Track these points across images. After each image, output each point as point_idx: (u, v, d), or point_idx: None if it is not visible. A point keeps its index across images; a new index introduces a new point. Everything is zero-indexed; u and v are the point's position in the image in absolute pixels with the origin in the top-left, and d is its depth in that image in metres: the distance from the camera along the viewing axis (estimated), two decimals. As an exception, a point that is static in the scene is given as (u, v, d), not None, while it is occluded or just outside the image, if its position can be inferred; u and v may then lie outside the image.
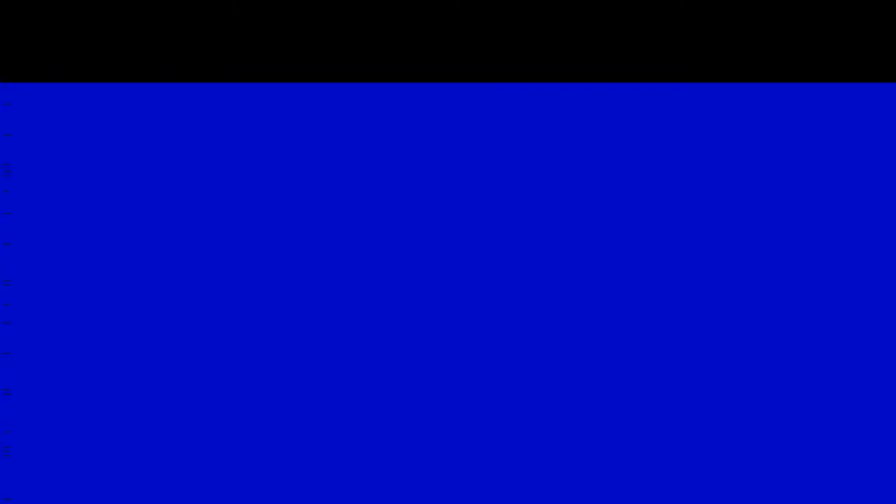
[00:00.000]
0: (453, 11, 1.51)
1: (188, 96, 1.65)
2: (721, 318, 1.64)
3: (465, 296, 1.65)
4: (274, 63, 1.65)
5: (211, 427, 1.64)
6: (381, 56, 1.65)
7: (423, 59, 1.65)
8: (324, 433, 1.64)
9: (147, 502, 1.64)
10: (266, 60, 1.65)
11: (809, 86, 1.65)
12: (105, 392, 1.64)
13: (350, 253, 1.65)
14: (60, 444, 1.64)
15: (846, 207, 1.65)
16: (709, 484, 1.64)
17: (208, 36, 1.59)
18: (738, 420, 1.64)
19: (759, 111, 1.65)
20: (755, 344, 1.64)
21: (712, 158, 1.65)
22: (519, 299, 1.65)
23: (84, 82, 1.66)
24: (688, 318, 1.64)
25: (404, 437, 1.65)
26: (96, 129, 1.65)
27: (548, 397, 1.64)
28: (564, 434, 1.64)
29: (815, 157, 1.65)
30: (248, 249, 1.65)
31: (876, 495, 1.63)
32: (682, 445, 1.64)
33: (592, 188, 1.65)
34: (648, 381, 1.64)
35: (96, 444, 1.64)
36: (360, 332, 1.65)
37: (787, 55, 1.64)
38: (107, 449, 1.64)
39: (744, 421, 1.64)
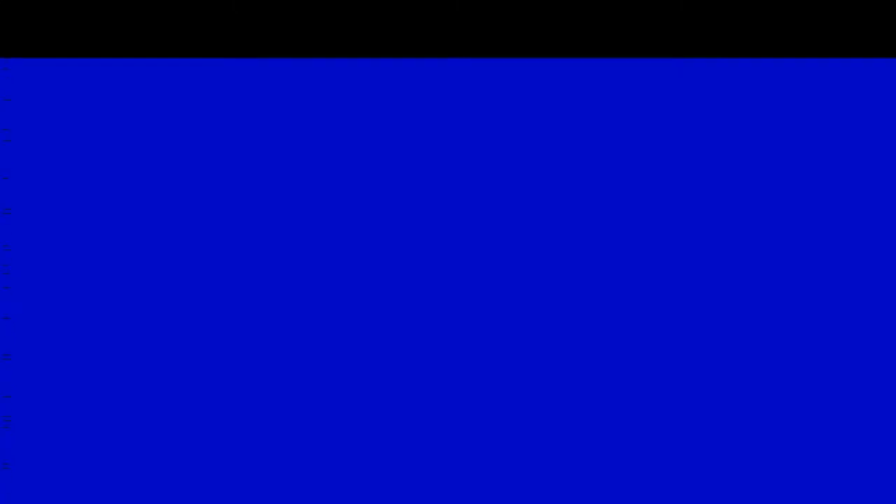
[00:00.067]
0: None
1: (187, 72, 1.65)
2: (720, 307, 1.63)
3: (462, 283, 1.65)
4: (271, 38, 1.65)
5: (210, 425, 1.64)
6: (375, 31, 1.64)
7: (419, 35, 1.65)
8: (324, 432, 1.64)
9: (147, 502, 1.64)
10: (267, 35, 1.65)
11: (807, 61, 1.65)
12: (100, 384, 1.64)
13: (346, 239, 1.65)
14: (60, 444, 1.64)
15: (845, 187, 1.64)
16: (709, 484, 1.63)
17: (207, 11, 1.59)
18: (737, 416, 1.63)
19: (757, 87, 1.65)
20: (753, 334, 1.63)
21: (711, 135, 1.65)
22: (517, 287, 1.64)
23: (82, 58, 1.66)
24: (687, 308, 1.63)
25: (404, 437, 1.64)
26: (96, 105, 1.65)
27: (545, 391, 1.64)
28: (564, 434, 1.64)
29: (813, 133, 1.64)
30: (246, 235, 1.65)
31: (876, 495, 1.62)
32: (682, 445, 1.63)
33: (590, 167, 1.65)
34: (646, 374, 1.64)
35: (96, 444, 1.64)
36: (355, 316, 1.64)
37: (786, 31, 1.64)
38: (106, 449, 1.64)
39: (743, 417, 1.63)
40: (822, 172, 1.64)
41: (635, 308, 1.64)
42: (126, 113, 1.65)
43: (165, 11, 1.49)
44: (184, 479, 1.65)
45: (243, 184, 1.65)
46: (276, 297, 1.65)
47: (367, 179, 1.65)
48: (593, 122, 1.65)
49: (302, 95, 1.65)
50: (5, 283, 1.65)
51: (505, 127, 1.65)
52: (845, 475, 1.63)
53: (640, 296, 1.64)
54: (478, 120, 1.65)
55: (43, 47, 1.63)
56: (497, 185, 1.65)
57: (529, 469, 1.64)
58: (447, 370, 1.65)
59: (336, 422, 1.65)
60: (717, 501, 1.63)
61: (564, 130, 1.65)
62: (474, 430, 1.65)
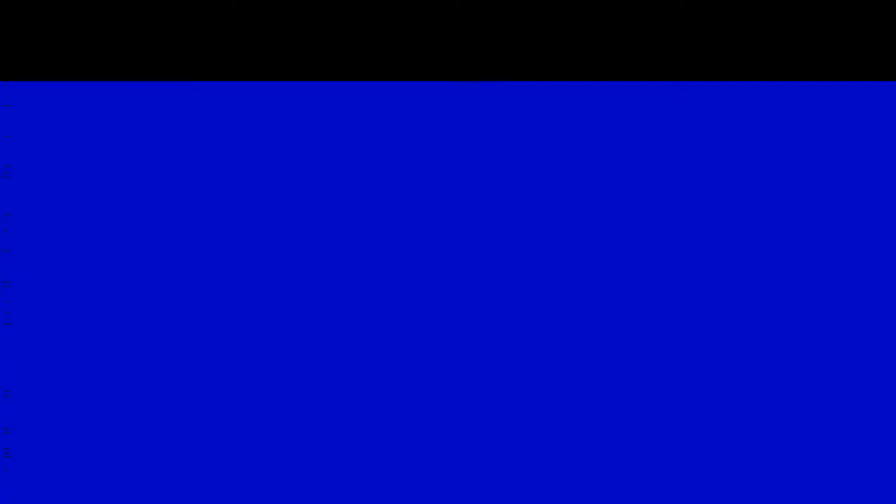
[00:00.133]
0: (453, 10, 1.51)
1: (188, 95, 1.65)
2: (720, 316, 1.64)
3: (465, 293, 1.65)
4: (274, 61, 1.65)
5: (211, 427, 1.64)
6: (380, 55, 1.64)
7: (422, 58, 1.65)
8: (324, 433, 1.64)
9: (147, 502, 1.64)
10: (266, 59, 1.65)
11: (807, 84, 1.65)
12: (103, 391, 1.64)
13: (350, 252, 1.65)
14: (60, 444, 1.64)
15: (845, 207, 1.65)
16: (709, 484, 1.64)
17: (208, 34, 1.59)
18: (738, 420, 1.64)
19: (757, 110, 1.65)
20: (754, 344, 1.64)
21: (712, 158, 1.65)
22: (520, 297, 1.65)
23: (82, 81, 1.66)
24: (687, 316, 1.64)
25: (404, 437, 1.65)
26: (95, 128, 1.65)
27: (546, 394, 1.64)
28: (564, 434, 1.64)
29: (814, 156, 1.65)
30: (247, 248, 1.65)
31: (876, 495, 1.63)
32: (683, 445, 1.64)
33: (592, 187, 1.65)
34: (648, 381, 1.64)
35: (96, 444, 1.64)
36: (360, 331, 1.64)
37: (786, 54, 1.64)
38: (107, 449, 1.64)
39: (744, 421, 1.64)
40: (821, 194, 1.65)
41: (635, 319, 1.64)
42: (125, 136, 1.65)
43: (165, 35, 1.49)
44: (184, 479, 1.65)
45: (243, 204, 1.65)
46: (276, 312, 1.65)
47: (367, 202, 1.65)
48: (594, 145, 1.65)
49: (301, 119, 1.65)
50: (5, 294, 1.65)
51: (504, 150, 1.65)
52: (845, 475, 1.64)
53: (640, 308, 1.64)
54: (477, 144, 1.66)
55: (42, 71, 1.63)
56: (497, 207, 1.65)
57: (529, 469, 1.65)
58: (448, 385, 1.65)
59: (336, 422, 1.65)
60: (717, 501, 1.65)
61: (565, 154, 1.65)
62: (474, 431, 1.65)
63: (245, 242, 1.65)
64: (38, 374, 1.64)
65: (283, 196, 1.66)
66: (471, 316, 1.65)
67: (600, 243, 1.65)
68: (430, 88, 1.66)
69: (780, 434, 1.64)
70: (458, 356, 1.65)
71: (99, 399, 1.64)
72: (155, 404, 1.64)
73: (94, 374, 1.64)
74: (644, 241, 1.65)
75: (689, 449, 1.64)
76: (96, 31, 1.57)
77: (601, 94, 1.65)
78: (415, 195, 1.66)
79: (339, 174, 1.66)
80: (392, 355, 1.65)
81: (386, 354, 1.65)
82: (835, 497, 1.64)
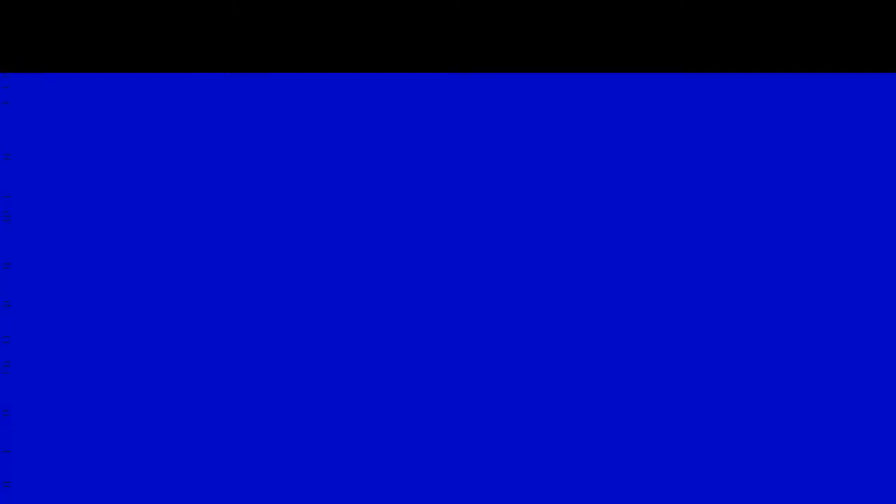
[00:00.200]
0: (453, 4, 1.51)
1: (188, 86, 1.65)
2: (719, 311, 1.64)
3: (464, 288, 1.65)
4: (272, 53, 1.65)
5: (211, 426, 1.64)
6: (379, 46, 1.65)
7: (422, 49, 1.65)
8: (324, 433, 1.64)
9: (147, 502, 1.64)
10: (265, 50, 1.65)
11: (807, 76, 1.66)
12: (100, 385, 1.64)
13: (348, 245, 1.65)
14: (60, 445, 1.64)
15: (845, 198, 1.65)
16: (709, 484, 1.64)
17: (208, 25, 1.59)
18: (738, 418, 1.64)
19: (757, 101, 1.65)
20: (753, 341, 1.64)
21: (712, 149, 1.65)
22: (518, 292, 1.65)
23: (83, 72, 1.66)
24: (686, 311, 1.64)
25: (404, 437, 1.65)
26: (95, 119, 1.65)
27: (544, 391, 1.64)
28: (564, 434, 1.64)
29: (814, 147, 1.65)
30: (247, 242, 1.65)
31: (876, 495, 1.63)
32: (683, 445, 1.64)
33: (591, 178, 1.65)
34: (645, 377, 1.64)
35: (96, 445, 1.64)
36: (357, 321, 1.65)
37: (786, 46, 1.65)
38: (106, 450, 1.64)
39: (744, 419, 1.64)
40: (821, 185, 1.65)
41: (633, 314, 1.64)
42: (124, 127, 1.65)
43: (164, 27, 1.49)
44: (184, 479, 1.65)
45: (243, 195, 1.65)
46: (275, 308, 1.65)
47: (367, 192, 1.66)
48: (592, 136, 1.66)
49: (301, 110, 1.66)
50: (5, 296, 1.65)
51: (504, 141, 1.66)
52: (845, 475, 1.64)
53: (639, 303, 1.64)
54: (477, 134, 1.66)
55: (42, 62, 1.63)
56: (496, 198, 1.65)
57: (529, 469, 1.65)
58: (447, 383, 1.65)
59: (336, 422, 1.65)
60: (717, 501, 1.64)
61: (564, 144, 1.66)
62: (474, 431, 1.65)
63: (245, 233, 1.65)
64: (37, 374, 1.64)
65: (282, 186, 1.66)
66: (470, 306, 1.65)
67: (599, 234, 1.65)
68: (433, 80, 1.66)
69: (779, 433, 1.64)
70: (456, 351, 1.65)
71: (92, 386, 1.64)
72: (148, 395, 1.64)
73: (93, 372, 1.64)
74: (643, 233, 1.65)
75: (689, 449, 1.64)
76: (95, 22, 1.58)
77: (599, 85, 1.66)
78: (414, 186, 1.66)
79: (339, 165, 1.66)
80: (390, 350, 1.65)
81: (384, 349, 1.65)
82: (835, 497, 1.64)
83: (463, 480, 1.64)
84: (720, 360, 1.64)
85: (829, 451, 1.64)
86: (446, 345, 1.65)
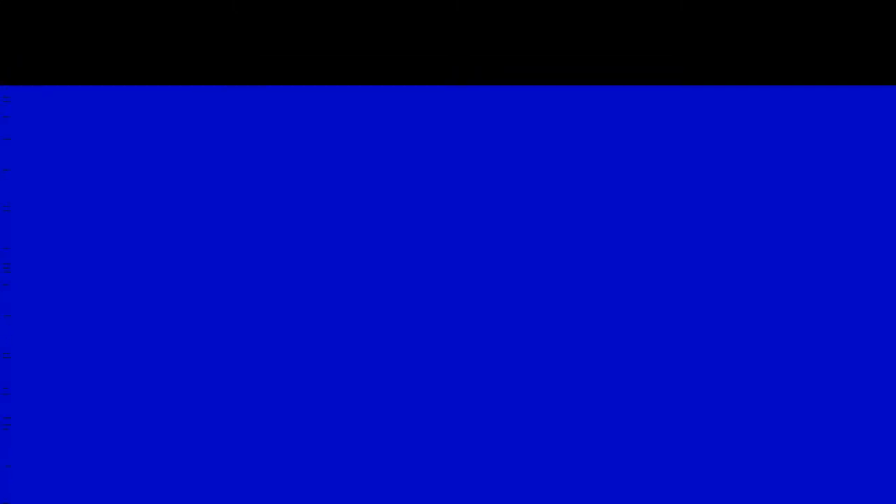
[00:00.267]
0: (453, 11, 1.50)
1: (189, 99, 1.65)
2: (721, 321, 1.64)
3: (464, 298, 1.65)
4: (272, 66, 1.65)
5: (211, 427, 1.65)
6: (380, 59, 1.64)
7: (421, 61, 1.65)
8: (324, 433, 1.65)
9: (147, 502, 1.65)
10: (266, 63, 1.65)
11: (809, 89, 1.65)
12: (104, 393, 1.64)
13: (351, 257, 1.65)
14: (59, 446, 1.65)
15: (846, 211, 1.65)
16: (709, 484, 1.64)
17: (209, 38, 1.59)
18: (738, 420, 1.64)
19: (759, 114, 1.65)
20: (755, 347, 1.64)
21: (712, 162, 1.65)
22: (518, 301, 1.65)
23: (83, 85, 1.66)
24: (686, 320, 1.64)
25: (404, 437, 1.65)
26: (97, 132, 1.65)
27: (547, 397, 1.65)
28: (564, 434, 1.64)
29: (816, 160, 1.65)
30: (248, 253, 1.65)
31: (876, 495, 1.64)
32: (683, 445, 1.64)
33: (593, 191, 1.65)
34: (648, 385, 1.64)
35: (95, 445, 1.64)
36: (362, 337, 1.65)
37: (787, 58, 1.64)
38: (107, 450, 1.64)
39: (744, 421, 1.64)
40: (821, 197, 1.65)
41: (633, 323, 1.64)
42: (125, 139, 1.65)
43: (166, 39, 1.49)
44: (184, 479, 1.65)
45: (243, 208, 1.65)
46: (275, 317, 1.65)
47: (366, 205, 1.66)
48: (592, 148, 1.65)
49: (301, 122, 1.65)
50: (5, 297, 1.65)
51: (504, 155, 1.65)
52: (845, 475, 1.64)
53: (640, 312, 1.64)
54: (477, 147, 1.66)
55: (43, 75, 1.63)
56: (496, 210, 1.65)
57: (529, 469, 1.65)
58: (448, 387, 1.66)
59: (336, 424, 1.65)
60: (717, 501, 1.65)
61: (565, 159, 1.65)
62: (474, 431, 1.65)
63: (244, 246, 1.65)
64: (36, 372, 1.64)
65: (282, 199, 1.66)
66: (471, 318, 1.65)
67: (600, 246, 1.65)
68: (431, 92, 1.66)
69: (779, 434, 1.64)
70: (457, 358, 1.65)
71: (96, 398, 1.64)
72: (151, 402, 1.65)
73: (93, 373, 1.64)
74: (644, 245, 1.65)
75: (689, 448, 1.64)
76: (96, 35, 1.57)
77: (600, 99, 1.65)
78: (414, 198, 1.66)
79: (339, 177, 1.66)
80: (390, 357, 1.65)
81: (384, 356, 1.65)
82: (835, 497, 1.64)
83: (463, 480, 1.65)
84: (722, 366, 1.64)
85: (828, 451, 1.64)
86: (446, 350, 1.65)
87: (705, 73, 1.65)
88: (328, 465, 1.65)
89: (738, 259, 1.65)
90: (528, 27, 1.60)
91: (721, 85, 1.65)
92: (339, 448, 1.65)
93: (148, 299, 1.65)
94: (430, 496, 1.65)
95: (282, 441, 1.65)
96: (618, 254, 1.65)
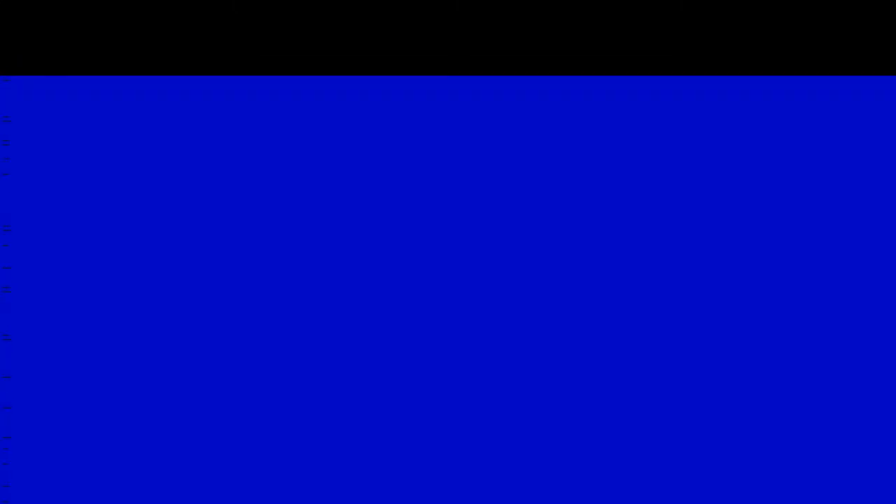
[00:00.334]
0: (452, 3, 1.51)
1: (188, 89, 1.66)
2: (718, 311, 1.64)
3: (464, 289, 1.65)
4: (272, 55, 1.65)
5: (210, 426, 1.64)
6: (380, 48, 1.65)
7: (422, 51, 1.65)
8: (324, 433, 1.65)
9: (147, 502, 1.64)
10: (265, 53, 1.65)
11: (807, 79, 1.65)
12: (100, 384, 1.64)
13: (349, 247, 1.65)
14: (60, 446, 1.65)
15: (845, 200, 1.65)
16: (709, 484, 1.64)
17: (208, 28, 1.59)
18: (738, 420, 1.64)
19: (758, 104, 1.65)
20: (753, 340, 1.64)
21: (711, 151, 1.65)
22: (518, 293, 1.65)
23: (83, 75, 1.66)
24: (685, 311, 1.64)
25: (404, 437, 1.65)
26: (96, 122, 1.65)
27: (544, 390, 1.65)
28: (564, 434, 1.64)
29: (814, 149, 1.65)
30: (247, 242, 1.65)
31: (876, 495, 1.63)
32: (683, 445, 1.64)
33: (591, 180, 1.65)
34: (645, 376, 1.64)
35: (95, 445, 1.64)
36: (358, 322, 1.65)
37: (786, 48, 1.64)
38: (106, 450, 1.64)
39: (744, 421, 1.64)
40: (820, 187, 1.65)
41: (632, 314, 1.64)
42: (124, 129, 1.65)
43: (164, 30, 1.49)
44: (184, 479, 1.65)
45: (243, 198, 1.65)
46: (275, 309, 1.65)
47: (366, 195, 1.66)
48: (591, 138, 1.65)
49: (300, 112, 1.65)
50: (5, 299, 1.65)
51: (504, 144, 1.65)
52: (845, 475, 1.64)
53: (639, 304, 1.64)
54: (476, 137, 1.66)
55: (43, 65, 1.63)
56: (495, 200, 1.65)
57: (529, 469, 1.65)
58: (447, 382, 1.65)
59: (336, 422, 1.65)
60: (718, 501, 1.64)
61: (563, 147, 1.66)
62: (474, 431, 1.65)
63: (246, 234, 1.65)
64: (36, 370, 1.64)
65: (281, 189, 1.66)
66: (470, 306, 1.65)
67: (599, 235, 1.65)
68: (432, 83, 1.66)
69: (779, 433, 1.64)
70: (455, 351, 1.65)
71: (93, 383, 1.64)
72: (155, 409, 1.65)
73: (93, 369, 1.64)
74: (643, 235, 1.65)
75: (688, 449, 1.64)
76: (95, 26, 1.58)
77: (600, 88, 1.65)
78: (413, 188, 1.66)
79: (339, 167, 1.66)
80: (389, 350, 1.65)
81: (384, 349, 1.65)
82: (835, 497, 1.64)
83: (463, 480, 1.64)
84: (719, 359, 1.64)
85: (828, 451, 1.63)
86: (445, 345, 1.65)
87: (702, 63, 1.65)
88: (327, 464, 1.65)
89: (737, 249, 1.65)
90: (523, 18, 1.60)
91: (717, 75, 1.65)
92: (337, 447, 1.65)
93: (146, 286, 1.65)
94: (430, 496, 1.65)
95: (279, 437, 1.65)
96: (618, 249, 1.65)
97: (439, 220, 1.65)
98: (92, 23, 1.55)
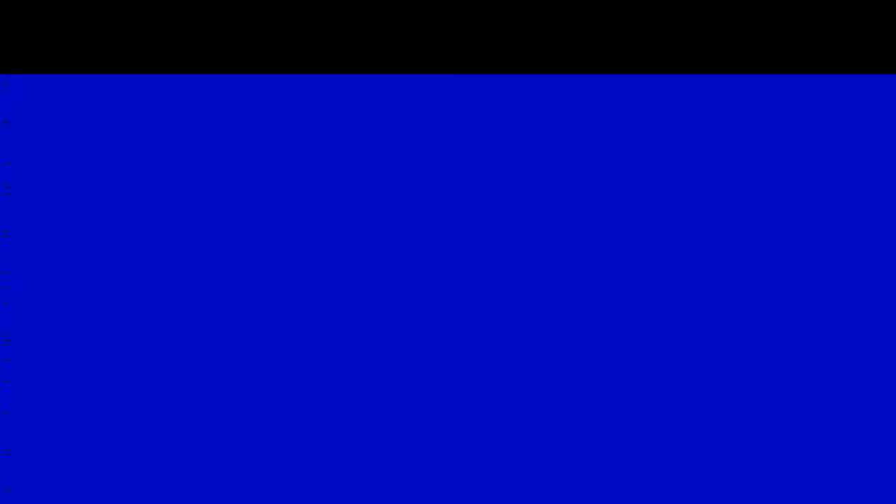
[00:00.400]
0: (453, 3, 1.51)
1: (189, 88, 1.65)
2: (718, 311, 1.64)
3: (465, 289, 1.65)
4: (272, 54, 1.65)
5: (211, 432, 1.64)
6: (380, 47, 1.65)
7: (423, 50, 1.65)
8: (324, 433, 1.64)
9: (147, 502, 1.64)
10: (265, 52, 1.65)
11: (807, 78, 1.66)
12: (102, 385, 1.64)
13: (350, 246, 1.65)
14: (60, 451, 1.64)
15: (845, 200, 1.65)
16: (709, 484, 1.64)
17: (208, 27, 1.59)
18: (738, 420, 1.64)
19: (758, 103, 1.66)
20: (753, 340, 1.64)
21: (711, 150, 1.66)
22: (519, 292, 1.65)
23: (84, 74, 1.66)
24: (686, 311, 1.64)
25: (404, 437, 1.65)
26: (97, 121, 1.65)
27: (544, 390, 1.65)
28: (564, 434, 1.64)
29: (814, 149, 1.66)
30: (249, 243, 1.65)
31: (876, 495, 1.64)
32: (683, 445, 1.64)
33: (591, 180, 1.65)
34: (644, 375, 1.64)
35: (96, 450, 1.64)
36: (359, 326, 1.65)
37: (786, 47, 1.65)
38: (106, 456, 1.64)
39: (744, 421, 1.64)
40: (821, 186, 1.65)
41: (633, 314, 1.64)
42: (125, 128, 1.65)
43: (165, 28, 1.49)
44: (184, 484, 1.65)
45: (244, 197, 1.65)
46: (275, 308, 1.65)
47: (366, 194, 1.66)
48: (592, 137, 1.66)
49: (301, 112, 1.66)
50: (5, 297, 1.65)
51: (504, 143, 1.66)
52: (845, 475, 1.64)
53: (640, 304, 1.65)
54: (477, 136, 1.66)
55: (42, 63, 1.63)
56: (496, 200, 1.65)
57: (529, 469, 1.65)
58: (446, 383, 1.66)
59: (336, 422, 1.65)
60: (717, 501, 1.64)
61: (564, 146, 1.66)
62: (474, 431, 1.65)
63: (247, 235, 1.65)
64: (36, 367, 1.64)
65: (282, 188, 1.66)
66: (470, 305, 1.65)
67: (599, 234, 1.65)
68: (432, 81, 1.66)
69: (779, 433, 1.64)
70: (455, 350, 1.65)
71: (93, 389, 1.64)
72: (155, 407, 1.64)
73: (93, 374, 1.64)
74: (643, 233, 1.65)
75: (689, 449, 1.64)
76: (95, 24, 1.57)
77: (599, 87, 1.66)
78: (414, 188, 1.66)
79: (340, 166, 1.66)
80: (389, 349, 1.65)
81: (383, 348, 1.65)
82: (835, 497, 1.64)
83: (463, 480, 1.64)
84: (719, 359, 1.64)
85: (828, 451, 1.64)
86: (445, 344, 1.65)
87: (702, 62, 1.65)
88: (327, 463, 1.65)
89: (737, 247, 1.65)
90: (523, 17, 1.61)
91: (718, 74, 1.66)
92: (336, 446, 1.65)
93: (149, 287, 1.64)
94: (430, 495, 1.64)
95: (278, 436, 1.65)
96: (619, 248, 1.65)
97: (440, 219, 1.65)
98: (92, 22, 1.55)
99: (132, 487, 1.64)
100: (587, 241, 1.65)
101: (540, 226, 1.65)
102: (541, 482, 1.64)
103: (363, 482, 1.65)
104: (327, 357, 1.65)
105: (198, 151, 1.65)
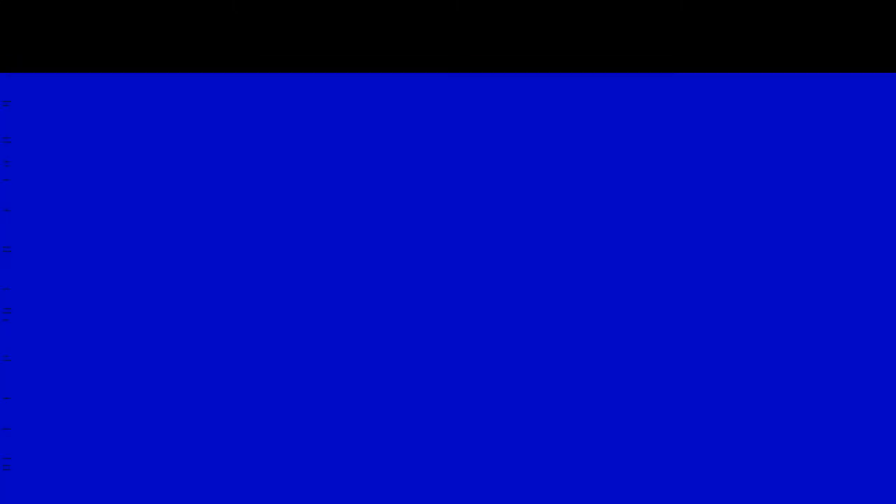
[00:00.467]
0: (452, 2, 1.51)
1: (188, 86, 1.65)
2: (718, 310, 1.64)
3: (464, 287, 1.65)
4: (272, 53, 1.65)
5: (210, 427, 1.64)
6: (380, 46, 1.65)
7: (423, 49, 1.65)
8: (323, 433, 1.64)
9: (147, 502, 1.64)
10: (265, 50, 1.65)
11: (807, 77, 1.66)
12: (102, 387, 1.64)
13: (350, 245, 1.65)
14: (60, 467, 1.64)
15: (845, 198, 1.66)
16: (709, 484, 1.64)
17: (208, 25, 1.59)
18: (737, 419, 1.64)
19: (758, 102, 1.66)
20: (752, 339, 1.65)
21: (711, 149, 1.66)
22: (518, 291, 1.65)
23: (83, 72, 1.66)
24: (685, 310, 1.64)
25: (404, 437, 1.65)
26: (96, 119, 1.65)
27: (544, 389, 1.65)
28: (564, 434, 1.64)
29: (814, 148, 1.66)
30: (247, 241, 1.65)
31: (876, 495, 1.64)
32: (683, 445, 1.64)
33: (592, 178, 1.66)
34: (644, 375, 1.65)
35: (95, 466, 1.64)
36: (358, 323, 1.65)
37: (786, 46, 1.65)
38: (106, 472, 1.64)
39: (743, 419, 1.64)
40: (821, 185, 1.65)
41: (632, 313, 1.65)
42: (123, 126, 1.65)
43: (163, 26, 1.49)
44: (184, 479, 1.64)
45: (242, 195, 1.65)
46: (274, 307, 1.65)
47: (366, 192, 1.66)
48: (591, 136, 1.66)
49: (300, 110, 1.66)
50: (5, 300, 1.65)
51: (504, 141, 1.66)
52: (845, 475, 1.64)
53: (639, 303, 1.65)
54: (477, 134, 1.66)
55: (42, 61, 1.63)
56: (495, 198, 1.65)
57: (529, 469, 1.65)
58: (445, 381, 1.66)
59: (336, 422, 1.65)
60: (717, 501, 1.64)
61: (564, 145, 1.66)
62: (474, 431, 1.65)
63: (248, 236, 1.65)
64: (37, 370, 1.64)
65: (281, 186, 1.66)
66: (470, 304, 1.65)
67: (600, 233, 1.65)
68: (432, 80, 1.66)
69: (779, 433, 1.64)
70: (455, 350, 1.65)
71: (94, 404, 1.64)
72: (155, 406, 1.64)
73: (93, 370, 1.64)
74: (643, 231, 1.65)
75: (689, 449, 1.64)
76: (95, 22, 1.57)
77: (599, 87, 1.66)
78: (414, 186, 1.66)
79: (339, 164, 1.66)
80: (389, 349, 1.65)
81: (382, 347, 1.65)
82: (835, 497, 1.64)
83: (463, 480, 1.64)
84: (719, 359, 1.64)
85: (828, 451, 1.64)
86: (445, 343, 1.65)
87: (702, 60, 1.66)
88: (327, 464, 1.64)
89: (737, 246, 1.65)
90: (523, 17, 1.61)
91: (718, 72, 1.66)
92: (336, 446, 1.65)
93: (148, 285, 1.64)
94: (430, 495, 1.64)
95: (278, 435, 1.64)
96: (619, 246, 1.65)
97: (440, 218, 1.65)
98: (91, 21, 1.54)
99: (133, 495, 1.64)
100: (587, 240, 1.65)
101: (540, 224, 1.65)
102: (541, 482, 1.64)
103: (363, 482, 1.64)
104: (327, 356, 1.65)
105: (198, 150, 1.65)
